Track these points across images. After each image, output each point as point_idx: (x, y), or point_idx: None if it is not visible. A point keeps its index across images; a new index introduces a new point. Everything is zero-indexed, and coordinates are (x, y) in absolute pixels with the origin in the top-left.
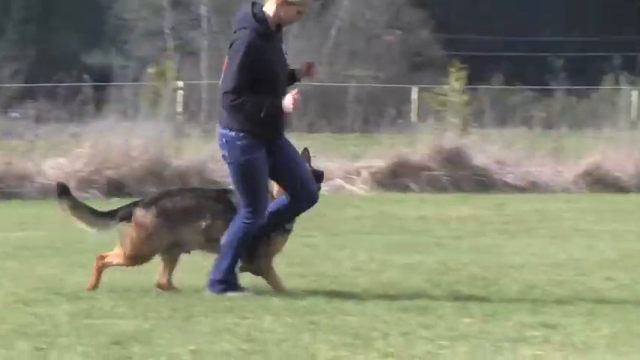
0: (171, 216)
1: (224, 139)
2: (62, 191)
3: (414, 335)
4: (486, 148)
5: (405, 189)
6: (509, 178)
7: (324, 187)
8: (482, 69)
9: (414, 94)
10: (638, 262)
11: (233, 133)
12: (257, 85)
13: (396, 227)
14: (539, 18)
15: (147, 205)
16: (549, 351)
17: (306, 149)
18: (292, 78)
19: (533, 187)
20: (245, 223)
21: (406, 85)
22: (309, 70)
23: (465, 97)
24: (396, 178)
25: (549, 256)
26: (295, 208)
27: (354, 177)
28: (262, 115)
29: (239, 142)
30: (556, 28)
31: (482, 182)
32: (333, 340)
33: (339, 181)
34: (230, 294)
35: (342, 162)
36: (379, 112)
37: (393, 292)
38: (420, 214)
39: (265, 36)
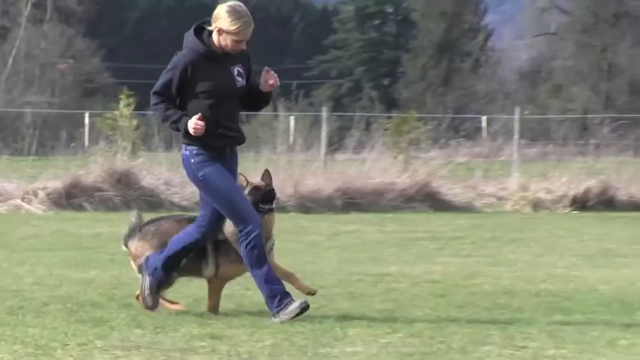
0: (153, 239)
1: (182, 159)
2: None
3: (91, 345)
4: (154, 170)
5: (80, 208)
6: (176, 198)
7: (3, 207)
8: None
9: (87, 119)
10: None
11: (187, 152)
12: (196, 101)
13: (72, 244)
14: None
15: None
16: None
17: (266, 170)
18: (260, 93)
19: (198, 205)
20: (242, 240)
21: (79, 111)
22: (267, 79)
23: (135, 122)
24: (71, 198)
25: None
26: (198, 235)
27: (31, 197)
28: (167, 126)
29: (192, 160)
30: None
31: (151, 202)
32: (17, 351)
33: (17, 201)
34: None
35: (20, 183)
36: (54, 136)
37: (70, 305)
38: (94, 232)
39: (206, 57)
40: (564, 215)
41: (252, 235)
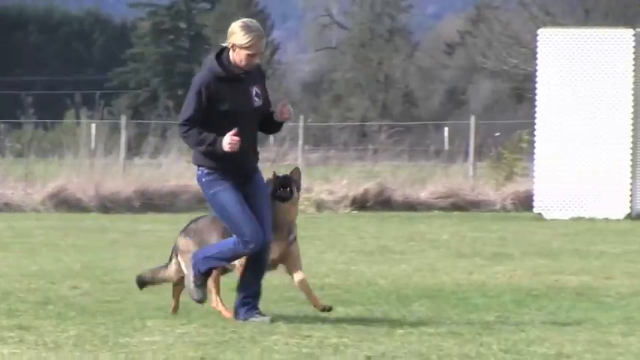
0: (195, 234)
1: (197, 178)
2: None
3: None
4: None
5: None
6: None
7: None
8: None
9: None
10: (98, 272)
11: (199, 172)
12: (215, 122)
13: None
14: (9, 59)
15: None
16: (24, 349)
17: (296, 168)
18: (273, 121)
19: (7, 207)
20: (240, 249)
21: None
22: (282, 111)
23: None
24: None
25: (22, 267)
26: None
27: None
28: (204, 150)
29: (204, 179)
30: (26, 69)
31: None
32: None
33: None
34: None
35: None
36: None
37: None
38: None
39: (223, 78)
40: (345, 215)
41: (245, 251)
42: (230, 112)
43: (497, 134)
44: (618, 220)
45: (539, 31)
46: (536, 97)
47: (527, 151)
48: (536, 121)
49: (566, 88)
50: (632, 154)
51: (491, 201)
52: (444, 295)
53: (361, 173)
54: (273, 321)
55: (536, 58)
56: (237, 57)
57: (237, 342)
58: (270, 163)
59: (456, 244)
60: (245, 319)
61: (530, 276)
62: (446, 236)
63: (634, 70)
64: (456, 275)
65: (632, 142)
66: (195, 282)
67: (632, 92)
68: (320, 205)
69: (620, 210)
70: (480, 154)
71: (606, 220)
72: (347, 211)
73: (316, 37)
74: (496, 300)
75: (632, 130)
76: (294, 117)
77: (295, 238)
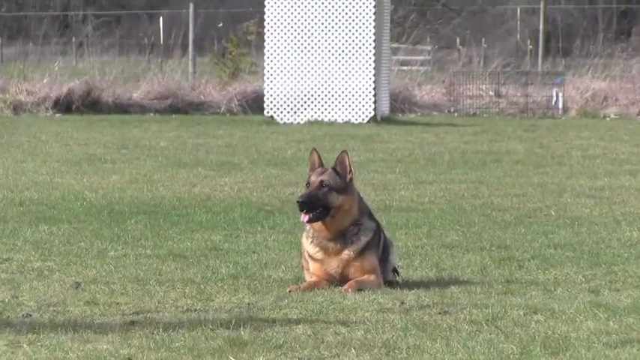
0: None
1: None
2: None
3: None
4: None
5: None
6: None
7: None
8: None
9: None
10: None
11: None
12: None
13: None
14: None
15: None
16: None
17: (343, 154)
18: None
19: None
20: None
21: None
22: None
23: None
24: None
25: None
26: None
27: None
28: None
29: None
30: None
31: None
32: None
33: None
34: None
35: None
36: None
37: None
38: None
39: None
40: (47, 118)
41: None
42: None
43: (220, 25)
44: (361, 124)
45: None
46: None
47: (256, 44)
48: (265, 9)
49: None
50: (375, 51)
51: (215, 102)
52: (164, 210)
53: (65, 70)
54: None
55: None
56: None
57: None
58: None
59: (176, 152)
60: None
61: (261, 188)
62: (164, 143)
63: None
64: (176, 188)
65: (375, 36)
66: None
67: None
68: (17, 108)
69: (362, 113)
70: (200, 49)
71: (348, 124)
72: (49, 114)
73: None
74: (223, 216)
75: (375, 23)
76: None
77: (362, 251)
